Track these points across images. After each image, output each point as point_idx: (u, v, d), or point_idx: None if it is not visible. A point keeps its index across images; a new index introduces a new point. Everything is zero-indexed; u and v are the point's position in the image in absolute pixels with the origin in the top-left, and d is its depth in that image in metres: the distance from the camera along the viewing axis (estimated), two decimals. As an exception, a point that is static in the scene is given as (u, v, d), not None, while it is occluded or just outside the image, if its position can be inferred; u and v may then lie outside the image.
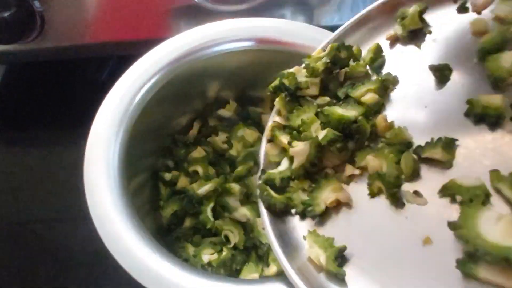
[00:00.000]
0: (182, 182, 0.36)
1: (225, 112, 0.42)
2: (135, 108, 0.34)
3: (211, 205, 0.34)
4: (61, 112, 0.53)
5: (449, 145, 0.22)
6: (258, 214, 0.28)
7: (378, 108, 0.26)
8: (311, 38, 0.35)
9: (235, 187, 0.35)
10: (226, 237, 0.34)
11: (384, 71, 0.28)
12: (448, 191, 0.21)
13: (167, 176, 0.37)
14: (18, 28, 0.38)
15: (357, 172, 0.25)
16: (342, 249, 0.22)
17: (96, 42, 0.44)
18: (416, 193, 0.22)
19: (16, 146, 0.51)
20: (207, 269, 0.31)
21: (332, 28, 0.44)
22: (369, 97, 0.26)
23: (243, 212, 0.33)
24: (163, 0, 0.43)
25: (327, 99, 0.28)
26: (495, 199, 0.20)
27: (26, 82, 0.56)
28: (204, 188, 0.34)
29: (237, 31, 0.37)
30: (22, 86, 0.56)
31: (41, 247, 0.42)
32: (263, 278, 0.31)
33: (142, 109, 0.34)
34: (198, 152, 0.38)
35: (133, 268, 0.25)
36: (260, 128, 0.40)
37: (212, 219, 0.34)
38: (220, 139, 0.40)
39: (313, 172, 0.26)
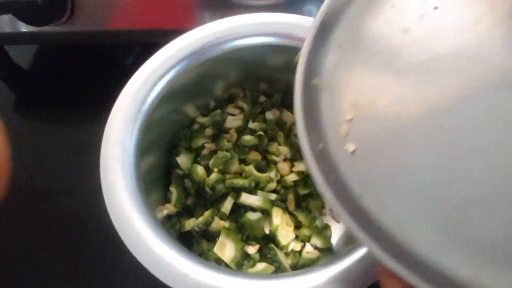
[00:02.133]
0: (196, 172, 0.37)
1: (234, 110, 0.42)
2: (154, 97, 0.34)
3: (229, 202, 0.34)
4: (87, 93, 0.55)
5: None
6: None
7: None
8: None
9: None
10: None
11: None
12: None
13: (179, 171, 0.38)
14: (49, 11, 0.39)
15: None
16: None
17: (123, 29, 0.45)
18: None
19: (41, 122, 0.54)
20: (221, 264, 0.32)
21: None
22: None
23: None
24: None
25: None
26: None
27: (55, 62, 0.58)
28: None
29: (259, 26, 0.37)
30: (51, 66, 0.58)
31: (58, 218, 0.44)
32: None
33: (160, 98, 0.35)
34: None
35: (149, 262, 0.26)
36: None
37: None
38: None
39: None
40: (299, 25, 0.36)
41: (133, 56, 0.55)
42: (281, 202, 0.36)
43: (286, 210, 0.36)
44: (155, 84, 0.34)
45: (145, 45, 0.55)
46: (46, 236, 0.43)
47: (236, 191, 0.35)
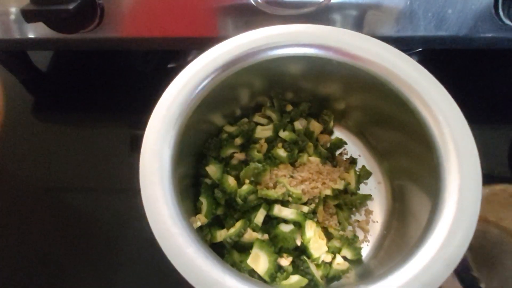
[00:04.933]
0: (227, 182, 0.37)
1: (261, 119, 0.42)
2: (188, 108, 0.34)
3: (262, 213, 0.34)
4: (105, 97, 0.55)
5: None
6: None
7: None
8: (366, 49, 0.35)
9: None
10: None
11: None
12: None
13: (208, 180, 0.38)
14: (80, 19, 0.39)
15: None
16: None
17: (150, 37, 0.45)
18: None
19: (60, 125, 0.54)
20: (254, 276, 0.32)
21: (390, 39, 0.43)
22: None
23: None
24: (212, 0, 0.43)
25: None
26: None
27: (74, 66, 0.58)
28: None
29: (294, 37, 0.37)
30: (70, 69, 0.58)
31: (66, 214, 0.45)
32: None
33: (194, 109, 0.35)
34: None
35: (186, 271, 0.26)
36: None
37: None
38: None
39: None
40: (331, 35, 0.36)
41: (152, 65, 0.55)
42: (312, 214, 0.36)
43: (317, 222, 0.36)
44: (190, 95, 0.34)
45: (165, 52, 0.56)
46: (63, 232, 0.44)
47: (268, 202, 0.35)
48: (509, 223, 0.38)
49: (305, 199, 0.35)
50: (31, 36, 0.44)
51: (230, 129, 0.41)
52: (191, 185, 0.39)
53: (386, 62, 0.34)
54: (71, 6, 0.36)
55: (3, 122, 0.54)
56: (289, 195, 0.34)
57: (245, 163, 0.39)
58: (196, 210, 0.38)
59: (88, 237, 0.44)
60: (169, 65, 0.56)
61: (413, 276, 0.25)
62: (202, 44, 0.46)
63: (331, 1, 0.41)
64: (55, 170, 0.49)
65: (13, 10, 0.43)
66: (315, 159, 0.38)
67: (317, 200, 0.36)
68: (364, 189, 0.41)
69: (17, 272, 0.42)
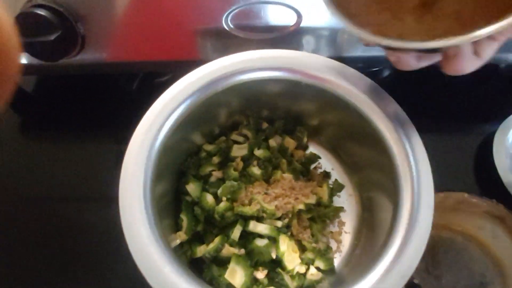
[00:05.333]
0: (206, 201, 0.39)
1: (238, 137, 0.45)
2: (167, 130, 0.37)
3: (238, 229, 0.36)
4: (91, 116, 0.57)
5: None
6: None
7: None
8: (328, 71, 0.37)
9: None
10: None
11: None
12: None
13: (188, 198, 0.40)
14: (62, 47, 0.41)
15: None
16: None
17: (130, 60, 0.47)
18: None
19: (47, 144, 0.55)
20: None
21: (358, 59, 0.46)
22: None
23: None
24: (192, 23, 0.45)
25: None
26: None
27: (59, 86, 0.60)
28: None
29: (266, 61, 0.39)
30: (56, 89, 0.60)
31: (56, 225, 0.47)
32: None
33: (172, 130, 0.37)
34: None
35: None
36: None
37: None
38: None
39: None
40: (299, 59, 0.38)
41: (137, 83, 0.57)
42: (286, 228, 0.38)
43: (291, 236, 0.38)
44: (167, 118, 0.36)
45: (149, 72, 0.58)
46: (50, 245, 0.46)
47: (244, 219, 0.37)
48: (458, 225, 0.41)
49: (278, 214, 0.37)
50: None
51: (208, 147, 0.43)
52: (172, 201, 0.41)
53: (346, 83, 0.36)
54: (52, 37, 0.38)
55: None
56: (263, 211, 0.36)
57: (222, 180, 0.41)
58: (177, 227, 0.40)
59: (75, 249, 0.46)
60: (156, 80, 0.58)
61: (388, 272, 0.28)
62: (181, 67, 0.48)
63: (300, 25, 0.43)
64: (42, 184, 0.50)
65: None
66: (288, 176, 0.40)
67: (290, 215, 0.38)
68: (337, 202, 0.43)
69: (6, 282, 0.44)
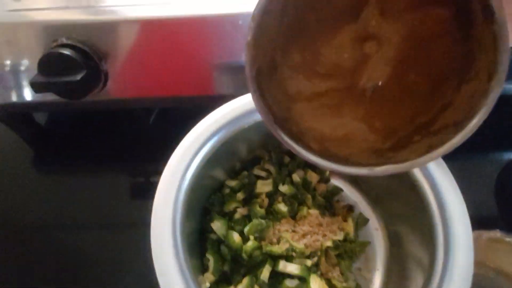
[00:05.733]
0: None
1: (261, 172, 0.44)
2: (195, 167, 0.36)
3: (267, 269, 0.36)
4: (108, 147, 0.57)
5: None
6: None
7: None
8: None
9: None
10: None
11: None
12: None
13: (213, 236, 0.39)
14: (86, 86, 0.41)
15: None
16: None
17: (150, 96, 0.47)
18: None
19: (59, 175, 0.55)
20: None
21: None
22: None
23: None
24: (210, 58, 0.45)
25: None
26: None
27: (74, 118, 0.60)
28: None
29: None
30: (69, 122, 0.60)
31: (67, 255, 0.47)
32: None
33: (200, 167, 0.37)
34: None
35: None
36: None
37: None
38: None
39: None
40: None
41: (154, 116, 0.57)
42: (315, 267, 0.37)
43: (321, 275, 0.37)
44: (195, 155, 0.36)
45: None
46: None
47: (273, 258, 0.37)
48: (491, 262, 0.40)
49: (307, 252, 0.36)
50: (38, 100, 0.46)
51: (231, 183, 0.43)
52: (197, 241, 0.40)
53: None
54: (78, 77, 0.39)
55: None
56: (293, 250, 0.36)
57: (247, 217, 0.40)
58: (202, 266, 0.39)
59: (84, 275, 0.45)
60: (169, 116, 0.58)
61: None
62: (200, 101, 0.48)
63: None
64: (54, 214, 0.50)
65: (23, 77, 0.45)
66: (314, 212, 0.40)
67: (319, 253, 0.37)
68: (362, 236, 0.43)
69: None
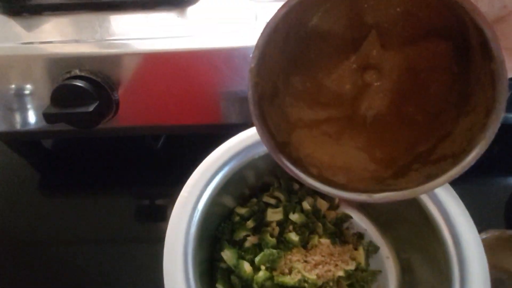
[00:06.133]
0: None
1: (270, 199, 0.44)
2: (207, 196, 0.37)
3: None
4: (113, 173, 0.57)
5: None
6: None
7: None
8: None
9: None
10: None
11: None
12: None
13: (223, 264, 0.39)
14: (98, 116, 0.42)
15: None
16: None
17: (160, 124, 0.48)
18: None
19: (65, 199, 0.56)
20: None
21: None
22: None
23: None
24: (217, 89, 0.46)
25: None
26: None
27: (79, 143, 0.60)
28: None
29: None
30: (78, 146, 0.60)
31: (57, 273, 0.47)
32: None
33: (212, 197, 0.37)
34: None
35: None
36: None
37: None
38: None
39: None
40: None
41: (162, 141, 0.57)
42: (328, 297, 0.37)
43: (334, 306, 0.37)
44: (207, 185, 0.37)
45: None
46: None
47: (285, 289, 0.36)
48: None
49: (320, 283, 0.36)
50: (48, 128, 0.47)
51: (241, 210, 0.43)
52: (207, 270, 0.40)
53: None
54: (91, 108, 0.39)
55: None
56: (305, 281, 0.36)
57: (258, 246, 0.40)
58: (213, 297, 0.38)
59: None
60: (176, 141, 0.59)
61: None
62: (207, 129, 0.49)
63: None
64: (60, 237, 0.50)
65: (30, 106, 0.46)
66: (325, 241, 0.40)
67: (331, 283, 0.37)
68: (373, 264, 0.42)
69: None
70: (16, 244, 0.50)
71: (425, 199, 0.36)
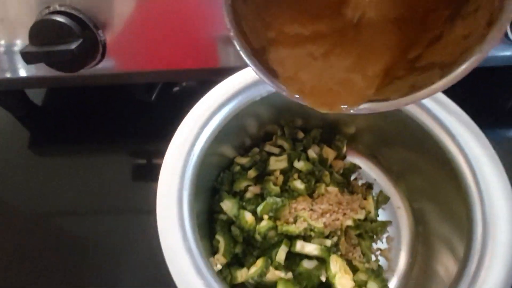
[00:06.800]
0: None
1: (273, 149, 0.41)
2: (203, 142, 0.34)
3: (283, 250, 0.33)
4: (107, 128, 0.54)
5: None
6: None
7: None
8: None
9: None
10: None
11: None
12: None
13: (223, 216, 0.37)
14: (82, 58, 0.38)
15: None
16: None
17: (151, 70, 0.44)
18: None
19: (56, 157, 0.53)
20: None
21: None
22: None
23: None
24: (213, 29, 0.42)
25: None
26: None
27: (71, 98, 0.57)
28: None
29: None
30: (67, 102, 0.57)
31: (65, 241, 0.44)
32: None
33: (208, 142, 0.34)
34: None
35: None
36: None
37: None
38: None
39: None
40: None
41: (156, 93, 0.54)
42: (335, 247, 0.34)
43: (341, 255, 0.34)
44: (203, 129, 0.33)
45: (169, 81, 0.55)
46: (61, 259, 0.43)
47: (289, 238, 0.34)
48: None
49: (327, 232, 0.34)
50: (30, 75, 0.43)
51: (242, 160, 0.40)
52: (205, 222, 0.38)
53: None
54: (73, 46, 0.35)
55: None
56: (311, 230, 0.33)
57: (260, 196, 0.37)
58: (212, 249, 0.36)
59: (87, 264, 0.42)
60: (171, 92, 0.55)
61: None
62: (204, 74, 0.45)
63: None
64: (53, 200, 0.47)
65: (15, 49, 0.42)
66: (333, 189, 0.37)
67: (339, 232, 0.34)
68: (382, 215, 0.40)
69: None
70: (5, 207, 0.48)
71: (451, 147, 0.32)
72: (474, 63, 0.19)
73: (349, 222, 0.34)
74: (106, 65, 0.42)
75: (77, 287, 0.41)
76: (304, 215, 0.34)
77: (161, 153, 0.33)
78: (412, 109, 0.33)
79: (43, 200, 0.48)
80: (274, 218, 0.35)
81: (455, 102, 0.33)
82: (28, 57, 0.36)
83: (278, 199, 0.34)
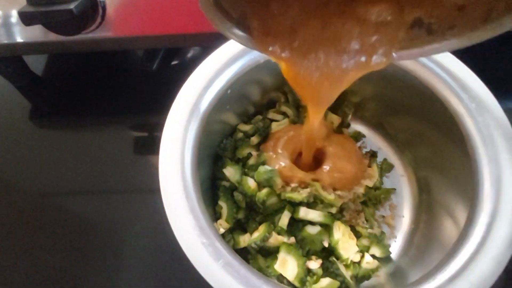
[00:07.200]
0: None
1: (276, 116, 0.41)
2: (207, 105, 0.33)
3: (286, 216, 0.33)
4: (108, 100, 0.53)
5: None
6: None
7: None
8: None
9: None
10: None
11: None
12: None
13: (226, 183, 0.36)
14: (81, 20, 0.37)
15: None
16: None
17: (153, 35, 0.42)
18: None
19: (58, 130, 0.52)
20: (283, 281, 0.31)
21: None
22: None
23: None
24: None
25: None
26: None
27: (72, 68, 0.56)
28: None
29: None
30: (68, 72, 0.56)
31: (67, 218, 0.44)
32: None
33: (211, 107, 0.33)
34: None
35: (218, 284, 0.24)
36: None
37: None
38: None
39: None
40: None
41: (157, 63, 0.53)
42: (340, 213, 0.34)
43: (345, 221, 0.34)
44: (205, 92, 0.33)
45: (169, 49, 0.54)
46: (64, 236, 0.43)
47: (293, 204, 0.34)
48: None
49: (338, 204, 0.33)
50: (28, 40, 0.42)
51: (244, 127, 0.39)
52: (208, 189, 0.38)
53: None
54: (72, 6, 0.34)
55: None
56: (321, 200, 0.33)
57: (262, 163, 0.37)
58: (215, 215, 0.36)
59: (90, 240, 0.42)
60: (173, 62, 0.54)
61: (460, 276, 0.24)
62: (207, 40, 0.44)
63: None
64: (55, 174, 0.47)
65: (11, 13, 0.41)
66: (338, 154, 0.36)
67: (347, 200, 0.34)
68: (386, 183, 0.39)
69: (18, 278, 0.40)
70: (6, 179, 0.48)
71: (459, 108, 0.31)
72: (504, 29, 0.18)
73: (360, 190, 0.34)
74: (106, 29, 0.41)
75: (76, 263, 0.41)
76: (316, 185, 0.33)
77: (162, 126, 0.33)
78: (422, 72, 0.32)
79: (41, 170, 0.47)
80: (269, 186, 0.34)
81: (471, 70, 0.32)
82: (26, 18, 0.35)
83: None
